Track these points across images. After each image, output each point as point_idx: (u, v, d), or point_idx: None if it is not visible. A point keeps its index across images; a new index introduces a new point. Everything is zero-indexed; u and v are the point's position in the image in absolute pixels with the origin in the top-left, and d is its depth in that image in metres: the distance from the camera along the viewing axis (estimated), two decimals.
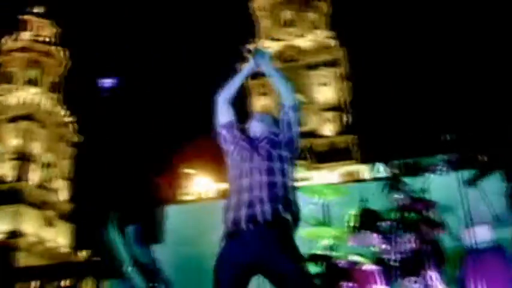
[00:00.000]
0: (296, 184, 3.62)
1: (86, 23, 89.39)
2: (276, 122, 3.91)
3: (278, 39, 44.15)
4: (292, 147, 3.72)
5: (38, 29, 53.21)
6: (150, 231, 4.80)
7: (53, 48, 52.91)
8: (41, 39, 52.59)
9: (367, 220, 5.88)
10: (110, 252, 4.72)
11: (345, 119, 41.46)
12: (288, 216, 3.42)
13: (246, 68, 3.89)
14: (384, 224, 5.87)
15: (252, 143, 3.73)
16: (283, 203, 3.44)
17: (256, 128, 3.87)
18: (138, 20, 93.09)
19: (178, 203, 10.03)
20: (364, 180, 9.37)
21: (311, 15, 45.70)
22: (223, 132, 3.84)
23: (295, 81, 41.58)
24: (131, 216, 4.74)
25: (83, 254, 46.37)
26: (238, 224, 3.41)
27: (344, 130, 40.30)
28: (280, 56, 42.69)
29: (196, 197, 10.85)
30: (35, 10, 54.01)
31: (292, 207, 3.49)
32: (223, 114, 3.87)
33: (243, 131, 3.89)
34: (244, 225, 3.38)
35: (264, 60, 3.85)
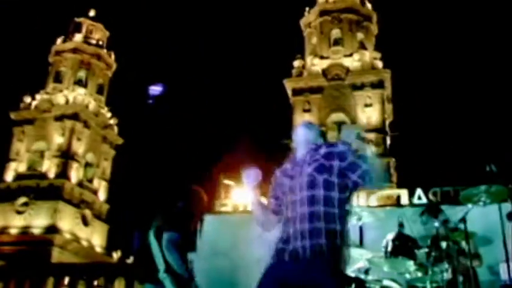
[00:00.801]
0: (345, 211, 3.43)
1: (136, 28, 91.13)
2: (322, 134, 3.84)
3: (325, 57, 44.11)
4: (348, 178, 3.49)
5: (90, 32, 54.52)
6: (186, 240, 4.86)
7: (103, 51, 54.13)
8: (92, 41, 53.87)
9: (403, 246, 5.83)
10: (147, 257, 4.81)
11: (387, 141, 41.05)
12: (330, 251, 3.29)
13: (251, 194, 3.70)
14: (420, 252, 5.81)
15: (295, 169, 3.61)
16: (325, 237, 3.32)
17: (301, 135, 3.75)
18: (186, 29, 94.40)
19: (214, 213, 10.08)
20: (402, 205, 9.24)
21: (359, 35, 45.53)
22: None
23: (339, 100, 41.46)
24: (169, 223, 4.81)
25: (116, 255, 47.00)
26: (282, 256, 3.40)
27: (384, 152, 39.85)
28: (326, 74, 42.63)
29: (233, 208, 10.86)
30: (90, 14, 55.40)
31: (335, 240, 3.34)
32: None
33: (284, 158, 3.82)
34: (287, 259, 3.37)
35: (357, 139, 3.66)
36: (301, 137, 3.74)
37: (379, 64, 43.58)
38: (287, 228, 3.45)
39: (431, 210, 6.18)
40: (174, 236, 4.70)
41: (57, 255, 42.69)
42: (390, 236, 6.05)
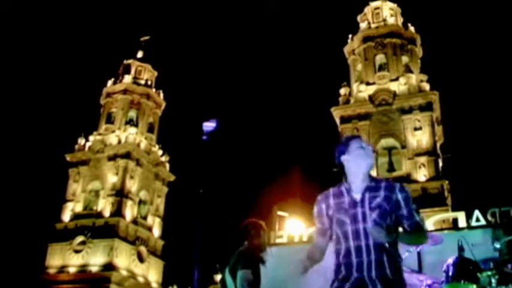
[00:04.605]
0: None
1: (183, 65, 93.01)
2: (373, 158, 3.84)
3: (371, 83, 43.93)
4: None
5: (139, 73, 56.00)
6: (257, 277, 4.87)
7: (152, 90, 55.43)
8: (141, 82, 55.30)
9: (465, 270, 5.71)
10: None
11: (439, 164, 40.23)
12: (396, 282, 3.39)
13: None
14: (483, 275, 5.68)
15: (355, 210, 3.54)
16: (390, 269, 3.40)
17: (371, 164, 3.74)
18: (233, 62, 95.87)
19: (270, 246, 10.07)
20: (460, 228, 9.05)
21: (404, 59, 45.20)
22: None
23: (388, 126, 41.05)
24: (242, 261, 4.84)
25: None
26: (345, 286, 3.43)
27: (437, 175, 39.06)
28: (373, 100, 42.39)
29: (288, 239, 10.85)
30: (138, 55, 57.00)
31: (397, 275, 3.43)
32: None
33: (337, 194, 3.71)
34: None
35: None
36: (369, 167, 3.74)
37: (427, 86, 43.07)
38: (349, 259, 3.46)
39: (493, 232, 6.07)
40: (248, 275, 4.74)
41: None
42: (450, 260, 5.95)
